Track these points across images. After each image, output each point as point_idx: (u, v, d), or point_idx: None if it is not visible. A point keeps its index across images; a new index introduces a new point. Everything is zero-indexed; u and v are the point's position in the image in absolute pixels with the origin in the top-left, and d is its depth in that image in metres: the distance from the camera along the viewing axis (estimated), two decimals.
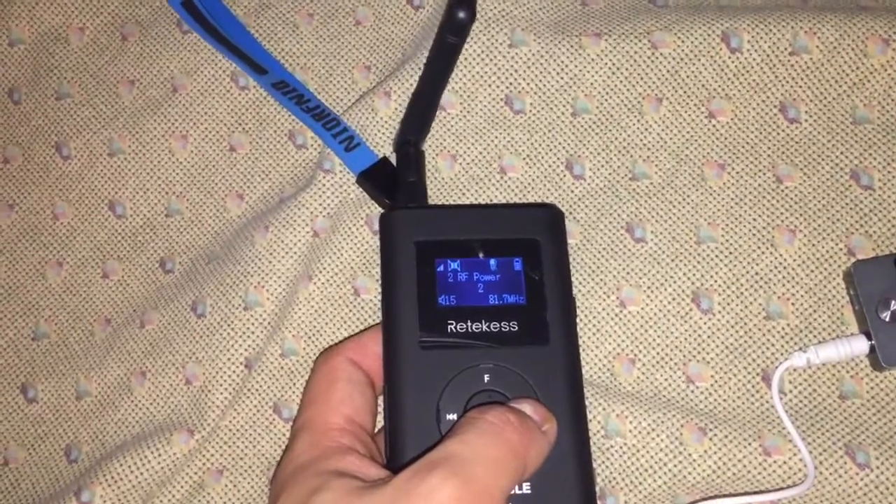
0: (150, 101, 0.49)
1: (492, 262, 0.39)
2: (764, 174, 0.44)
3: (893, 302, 0.40)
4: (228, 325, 0.44)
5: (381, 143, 0.46)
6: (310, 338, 0.44)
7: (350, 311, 0.44)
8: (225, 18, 0.49)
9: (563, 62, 0.46)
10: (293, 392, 0.43)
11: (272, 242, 0.45)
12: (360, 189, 0.45)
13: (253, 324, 0.44)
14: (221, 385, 0.43)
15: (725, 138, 0.45)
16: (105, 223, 0.48)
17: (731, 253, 0.43)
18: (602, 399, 0.41)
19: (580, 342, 0.40)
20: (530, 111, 0.46)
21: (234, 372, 0.43)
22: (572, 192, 0.45)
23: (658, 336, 0.42)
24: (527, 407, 0.34)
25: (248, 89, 0.49)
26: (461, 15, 0.43)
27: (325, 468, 0.32)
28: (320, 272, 0.44)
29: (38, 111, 0.50)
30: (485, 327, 0.38)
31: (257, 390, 0.43)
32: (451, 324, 0.37)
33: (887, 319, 0.40)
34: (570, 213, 0.44)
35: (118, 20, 0.51)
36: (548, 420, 0.34)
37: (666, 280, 0.43)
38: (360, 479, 0.32)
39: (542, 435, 0.33)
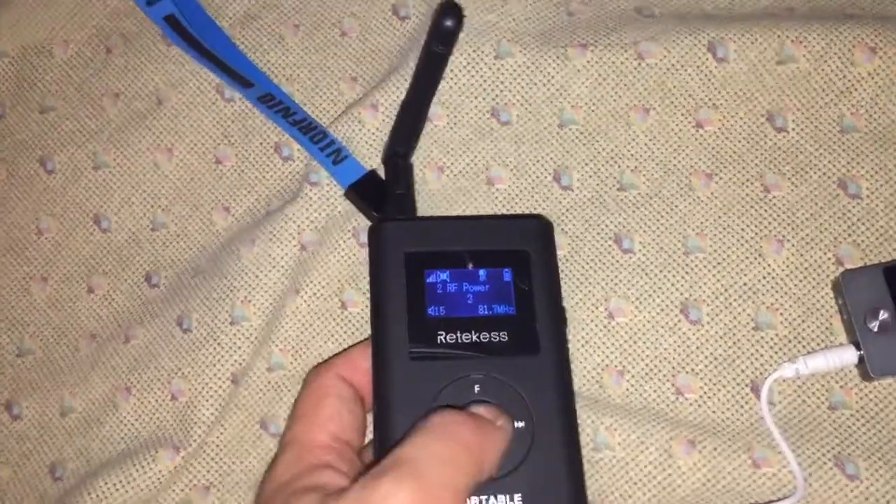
0: (135, 114, 0.49)
1: (481, 272, 0.39)
2: (752, 184, 0.44)
3: (882, 311, 0.40)
4: (215, 340, 0.43)
5: (369, 156, 0.46)
6: (297, 352, 0.44)
7: (337, 324, 0.44)
8: (209, 31, 0.49)
9: (549, 73, 0.46)
10: (280, 407, 0.43)
11: (259, 256, 0.44)
12: (348, 202, 0.45)
13: (239, 338, 0.43)
14: (208, 400, 0.43)
15: (713, 148, 0.45)
16: (90, 237, 0.48)
17: (719, 263, 0.43)
18: (591, 411, 0.41)
19: (569, 354, 0.40)
20: (517, 122, 0.46)
21: (220, 387, 0.43)
22: (560, 203, 0.45)
23: (647, 347, 0.42)
24: (476, 407, 0.34)
25: (234, 101, 0.49)
26: (448, 23, 0.42)
27: (300, 485, 0.32)
28: (307, 285, 0.44)
29: (21, 125, 0.50)
30: (474, 338, 0.37)
31: (244, 405, 0.43)
32: (441, 335, 0.37)
33: (876, 329, 0.40)
34: (559, 224, 0.44)
35: (102, 33, 0.51)
36: (500, 416, 0.34)
37: (654, 291, 0.43)
38: (328, 492, 0.32)
39: (495, 429, 0.33)
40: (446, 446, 0.31)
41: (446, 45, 0.42)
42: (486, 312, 0.38)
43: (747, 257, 0.43)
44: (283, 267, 0.44)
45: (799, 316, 0.42)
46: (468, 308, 0.38)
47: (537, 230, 0.40)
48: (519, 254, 0.39)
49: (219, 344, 0.43)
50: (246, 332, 0.43)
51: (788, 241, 0.43)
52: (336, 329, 0.44)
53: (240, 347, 0.43)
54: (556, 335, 0.38)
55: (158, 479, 0.42)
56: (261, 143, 0.48)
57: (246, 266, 0.44)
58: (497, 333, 0.38)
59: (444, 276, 0.39)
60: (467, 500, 0.32)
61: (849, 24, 0.44)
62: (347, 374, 0.37)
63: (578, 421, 0.39)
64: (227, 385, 0.43)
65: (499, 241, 0.40)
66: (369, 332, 0.38)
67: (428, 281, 0.38)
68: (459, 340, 0.37)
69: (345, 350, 0.40)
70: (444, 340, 0.37)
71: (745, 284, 0.42)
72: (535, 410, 0.36)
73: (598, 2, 0.48)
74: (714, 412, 0.41)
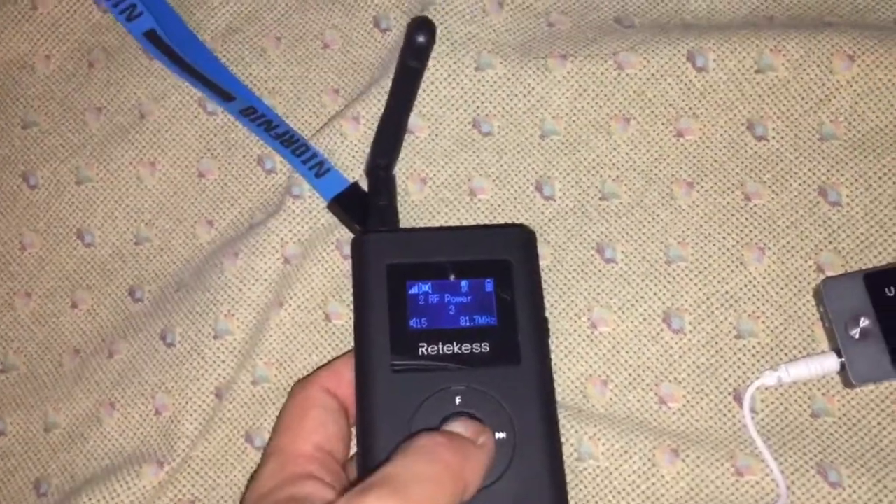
0: (118, 128, 0.49)
1: (463, 283, 0.39)
2: (732, 192, 0.44)
3: (863, 319, 0.40)
4: (198, 354, 0.43)
5: (352, 168, 0.46)
6: (281, 364, 0.44)
7: (322, 336, 0.44)
8: (191, 45, 0.49)
9: (529, 84, 0.46)
10: (265, 420, 0.43)
11: (242, 269, 0.44)
12: (331, 214, 0.45)
13: (223, 352, 0.43)
14: (191, 415, 0.42)
15: (694, 157, 0.45)
16: (74, 252, 0.48)
17: (701, 272, 0.43)
18: (575, 421, 0.41)
19: (552, 364, 0.40)
20: (498, 133, 0.46)
21: (204, 401, 0.43)
22: (543, 213, 0.45)
23: (630, 357, 0.42)
24: (458, 426, 0.34)
25: (216, 114, 0.49)
26: (420, 39, 0.43)
27: (283, 495, 0.33)
28: (291, 298, 0.44)
29: (4, 140, 0.50)
30: (456, 349, 0.37)
31: (229, 419, 0.43)
32: (423, 346, 0.37)
33: (857, 337, 0.40)
34: (541, 234, 0.44)
35: (85, 47, 0.51)
36: (482, 433, 0.34)
37: (637, 300, 0.43)
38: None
39: (477, 449, 0.34)
40: (429, 466, 0.31)
41: (420, 59, 0.42)
42: (468, 323, 0.38)
43: (729, 266, 0.43)
44: (266, 280, 0.44)
45: (781, 324, 0.42)
46: (450, 319, 0.38)
47: (519, 240, 0.41)
48: (501, 264, 0.39)
49: (202, 358, 0.43)
50: (230, 346, 0.43)
51: (769, 249, 0.43)
52: (320, 341, 0.44)
53: (223, 361, 0.43)
54: (537, 345, 0.38)
55: (143, 494, 0.42)
56: (244, 156, 0.48)
57: (229, 279, 0.44)
58: (479, 344, 0.38)
59: (425, 287, 0.39)
60: None
61: (827, 33, 0.45)
62: (332, 386, 0.37)
63: (562, 431, 0.39)
64: (210, 399, 0.43)
65: (481, 251, 0.40)
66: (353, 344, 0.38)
67: (410, 293, 0.39)
68: (441, 352, 0.37)
69: (329, 362, 0.40)
70: (425, 352, 0.37)
71: (726, 293, 0.42)
72: (516, 421, 0.36)
73: (578, 12, 0.48)
74: (697, 421, 0.41)
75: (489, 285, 0.39)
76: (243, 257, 0.45)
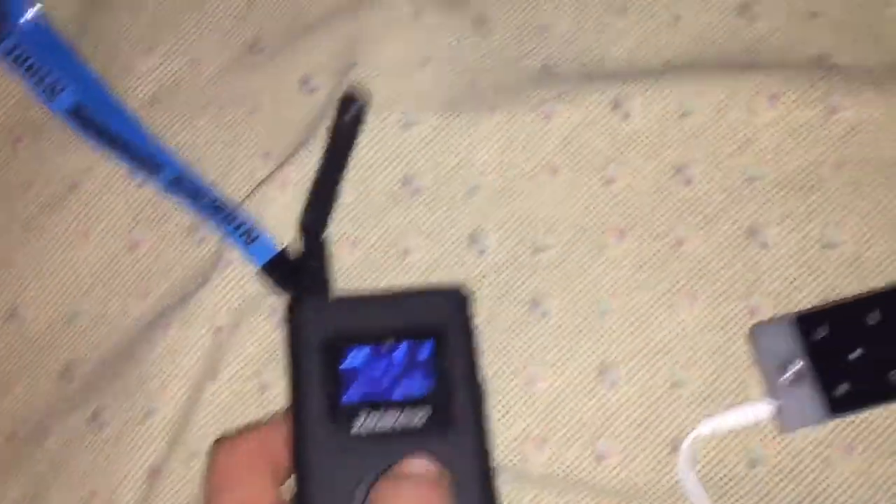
0: (49, 201, 0.49)
1: (397, 352, 0.39)
2: (663, 238, 0.44)
3: (796, 362, 0.40)
4: (130, 433, 0.43)
5: (281, 233, 0.45)
6: (216, 437, 0.43)
7: (257, 407, 0.43)
8: (117, 116, 0.49)
9: (457, 139, 0.46)
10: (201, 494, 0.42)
11: (174, 341, 0.44)
12: (263, 281, 0.45)
13: (155, 429, 0.43)
14: (124, 497, 0.42)
15: (623, 204, 0.45)
16: (5, 332, 0.47)
17: (633, 322, 0.43)
18: (514, 485, 0.40)
19: (491, 427, 0.40)
20: (429, 190, 0.46)
21: (138, 481, 0.42)
22: (476, 268, 0.45)
23: (567, 414, 0.42)
24: (416, 465, 0.35)
25: (147, 184, 0.48)
26: (352, 113, 0.43)
27: None
28: (224, 369, 0.44)
29: None
30: (393, 418, 0.37)
31: (164, 498, 0.42)
32: (360, 418, 0.37)
33: (790, 381, 0.40)
34: (475, 290, 0.44)
35: (9, 123, 0.50)
36: (440, 474, 0.35)
37: (571, 355, 0.42)
38: None
39: (441, 487, 0.34)
40: None
41: (351, 134, 0.42)
42: (404, 393, 0.38)
43: (660, 314, 0.43)
44: (198, 351, 0.44)
45: (714, 371, 0.42)
46: (386, 389, 0.38)
47: (455, 303, 0.40)
48: (436, 329, 0.39)
49: (134, 437, 0.42)
50: (161, 423, 0.43)
51: (701, 294, 0.43)
52: (256, 412, 0.43)
53: (156, 439, 0.42)
54: (476, 410, 0.38)
55: None
56: (175, 226, 0.47)
57: (161, 353, 0.44)
58: (415, 414, 0.37)
59: (360, 356, 0.38)
60: None
61: (750, 73, 0.45)
62: (261, 448, 0.36)
63: (502, 495, 0.39)
64: (144, 479, 0.42)
65: (416, 316, 0.39)
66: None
67: (344, 362, 0.38)
68: (378, 424, 0.37)
69: (254, 424, 0.39)
70: (363, 423, 0.37)
71: (660, 342, 0.42)
72: (457, 489, 0.36)
73: (505, 63, 0.48)
74: (636, 475, 0.40)
75: (424, 352, 0.39)
76: (175, 329, 0.44)
